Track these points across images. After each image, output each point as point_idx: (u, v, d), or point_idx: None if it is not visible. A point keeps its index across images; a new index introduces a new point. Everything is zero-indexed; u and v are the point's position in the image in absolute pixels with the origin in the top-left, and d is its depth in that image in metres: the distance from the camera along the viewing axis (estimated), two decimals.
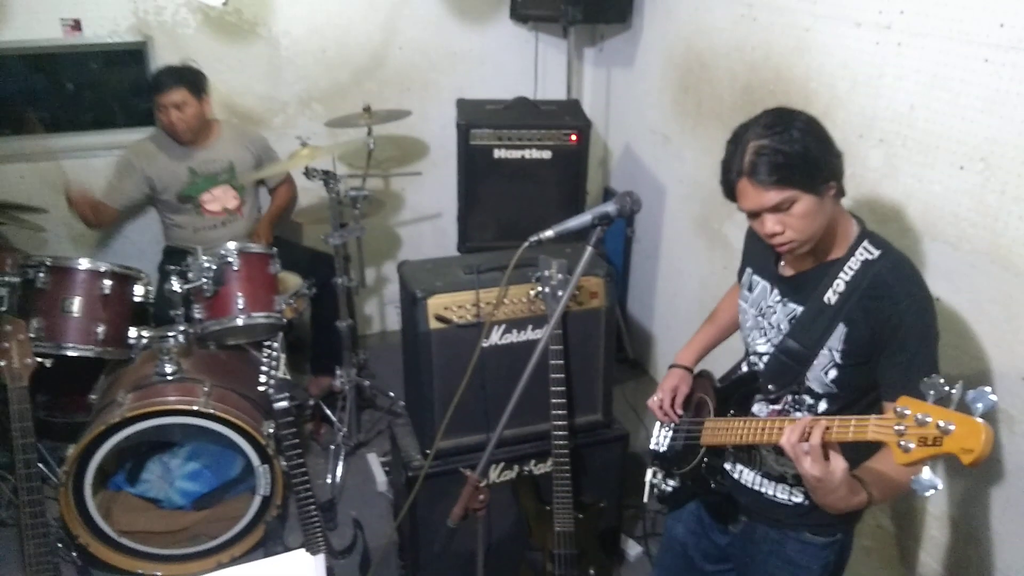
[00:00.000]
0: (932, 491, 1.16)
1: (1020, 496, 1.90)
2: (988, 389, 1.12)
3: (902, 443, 1.19)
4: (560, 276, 2.22)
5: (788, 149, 1.44)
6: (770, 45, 2.69)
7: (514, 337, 2.40)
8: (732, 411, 1.77)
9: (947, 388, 1.15)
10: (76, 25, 3.32)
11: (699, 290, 3.36)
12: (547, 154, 3.27)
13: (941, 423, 1.15)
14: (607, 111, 4.06)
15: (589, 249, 1.69)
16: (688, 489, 1.88)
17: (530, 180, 3.30)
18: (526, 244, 1.70)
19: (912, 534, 2.24)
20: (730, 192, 1.55)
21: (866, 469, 1.47)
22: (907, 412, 1.19)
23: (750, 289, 1.77)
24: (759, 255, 1.76)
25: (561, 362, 2.27)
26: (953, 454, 1.14)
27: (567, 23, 3.50)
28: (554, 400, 2.27)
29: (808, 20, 2.49)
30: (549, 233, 1.68)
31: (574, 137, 3.25)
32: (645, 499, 1.99)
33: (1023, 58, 1.78)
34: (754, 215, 1.54)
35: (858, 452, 1.42)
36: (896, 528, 2.28)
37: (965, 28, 1.92)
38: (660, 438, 1.99)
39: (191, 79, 3.22)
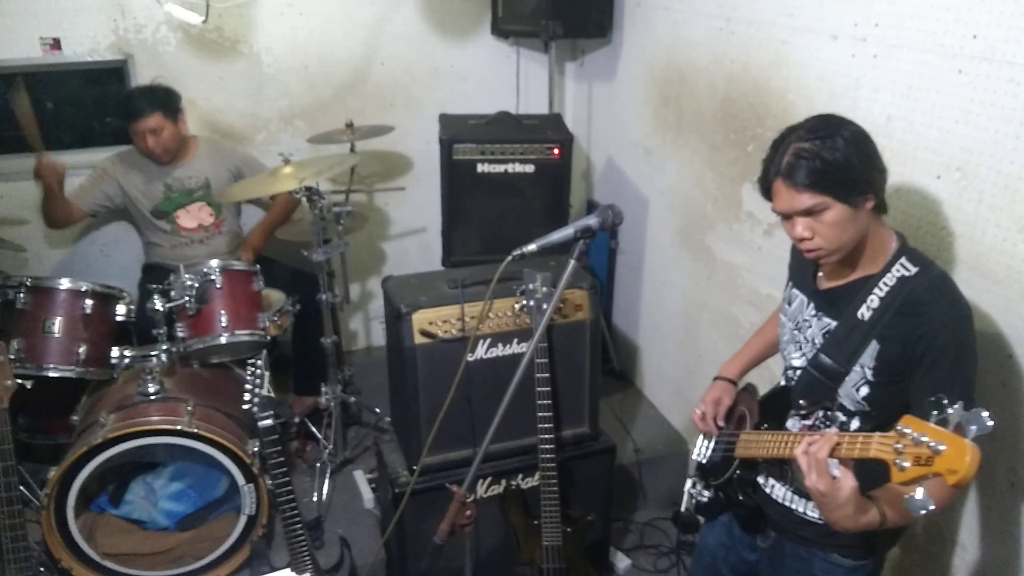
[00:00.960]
0: (923, 512, 1.16)
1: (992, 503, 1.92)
2: (985, 412, 1.12)
3: (898, 462, 1.19)
4: (544, 289, 2.23)
5: (828, 156, 1.44)
6: (748, 58, 2.72)
7: (499, 351, 2.40)
8: (766, 425, 1.77)
9: (948, 408, 1.15)
10: (56, 44, 3.31)
11: (683, 301, 3.38)
12: (530, 168, 3.28)
13: (933, 443, 1.14)
14: (589, 125, 4.09)
15: (572, 262, 1.70)
16: (721, 501, 1.89)
17: (513, 194, 3.31)
18: (510, 258, 1.71)
19: (930, 562, 2.24)
20: (766, 191, 1.55)
21: (884, 489, 1.45)
22: (907, 431, 1.19)
23: (789, 303, 1.77)
24: (799, 269, 1.76)
25: (547, 375, 2.27)
26: (940, 474, 1.14)
27: (548, 38, 3.52)
28: (540, 413, 2.27)
29: (785, 33, 2.52)
30: (532, 247, 1.69)
31: (557, 151, 3.27)
32: (683, 508, 2.00)
33: (996, 69, 1.81)
34: (786, 217, 1.54)
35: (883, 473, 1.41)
36: (902, 552, 2.28)
37: (939, 40, 1.95)
38: (702, 449, 1.98)
39: (165, 102, 3.18)
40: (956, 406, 1.15)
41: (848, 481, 1.35)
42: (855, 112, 2.22)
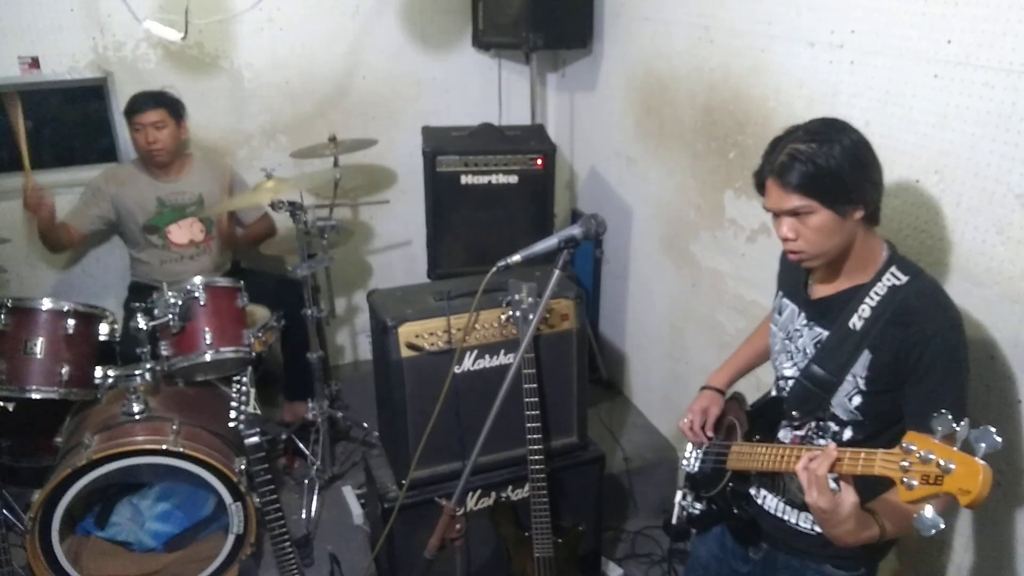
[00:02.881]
0: (935, 531, 1.13)
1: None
2: (993, 429, 1.10)
3: (905, 480, 1.17)
4: (530, 299, 2.23)
5: (822, 162, 1.44)
6: (728, 66, 2.75)
7: (486, 362, 2.39)
8: (758, 436, 1.76)
9: (954, 425, 1.13)
10: (34, 63, 3.29)
11: (668, 309, 3.39)
12: (513, 179, 3.29)
13: (942, 462, 1.13)
14: (572, 135, 4.10)
15: (557, 272, 1.70)
16: (714, 513, 1.88)
17: (498, 205, 3.32)
18: (495, 269, 1.71)
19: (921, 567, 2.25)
20: (760, 186, 1.56)
21: (881, 501, 1.44)
22: (913, 448, 1.17)
23: (780, 312, 1.77)
24: (790, 278, 1.76)
25: (535, 386, 2.27)
26: (952, 494, 1.12)
27: (529, 50, 3.54)
28: (529, 424, 2.27)
29: (763, 41, 2.54)
30: (516, 258, 1.69)
31: (540, 161, 3.27)
32: (673, 520, 1.98)
33: (971, 73, 1.83)
34: (775, 215, 1.55)
35: (881, 483, 1.38)
36: (898, 558, 2.28)
37: (914, 45, 1.97)
38: (691, 460, 1.97)
39: (170, 103, 3.25)
40: (963, 423, 1.12)
41: (849, 497, 1.34)
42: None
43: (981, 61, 1.80)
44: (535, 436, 2.27)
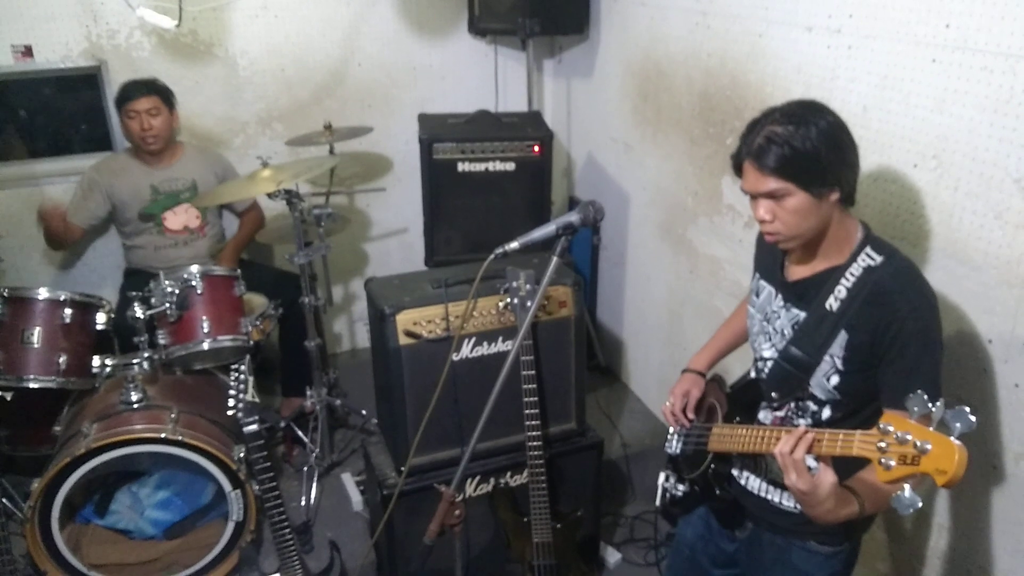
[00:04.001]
0: (912, 510, 1.15)
1: (994, 501, 1.94)
2: (967, 409, 1.11)
3: (883, 460, 1.18)
4: (528, 287, 2.23)
5: (798, 144, 1.44)
6: (725, 52, 2.74)
7: (485, 349, 2.39)
8: (738, 418, 1.77)
9: (929, 405, 1.14)
10: (28, 51, 3.27)
11: (666, 295, 3.39)
12: (510, 166, 3.28)
13: (918, 442, 1.14)
14: (569, 121, 4.09)
15: (555, 259, 1.70)
16: (697, 494, 1.89)
17: (495, 192, 3.31)
18: (492, 256, 1.70)
19: (906, 544, 2.26)
20: (737, 168, 1.56)
21: (859, 480, 1.45)
22: (890, 429, 1.18)
23: (757, 294, 1.78)
24: (766, 260, 1.77)
25: (533, 372, 2.27)
26: (928, 474, 1.13)
27: (525, 35, 3.52)
28: (527, 411, 2.27)
29: (761, 26, 2.53)
30: (514, 245, 1.69)
31: (537, 148, 3.27)
32: (657, 503, 1.99)
33: (969, 57, 1.83)
34: (752, 197, 1.56)
35: (857, 462, 1.40)
36: (888, 538, 2.30)
37: (912, 30, 1.97)
38: (673, 442, 1.99)
39: (162, 90, 3.25)
40: (939, 403, 1.13)
41: (827, 477, 1.35)
42: (831, 103, 2.21)
43: (979, 45, 1.80)
44: (534, 422, 2.28)
